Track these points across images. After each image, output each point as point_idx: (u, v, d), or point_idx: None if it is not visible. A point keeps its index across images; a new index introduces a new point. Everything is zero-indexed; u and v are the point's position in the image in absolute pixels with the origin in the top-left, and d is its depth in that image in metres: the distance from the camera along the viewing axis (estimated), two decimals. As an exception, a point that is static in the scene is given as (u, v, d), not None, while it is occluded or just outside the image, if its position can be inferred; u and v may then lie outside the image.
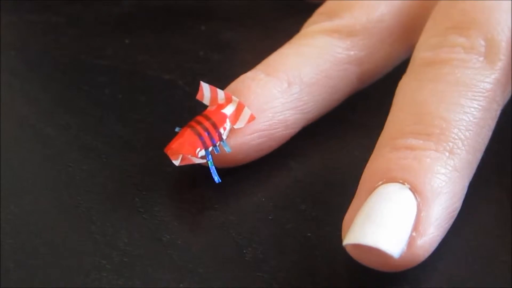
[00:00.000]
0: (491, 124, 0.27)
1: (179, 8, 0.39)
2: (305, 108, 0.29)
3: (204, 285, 0.24)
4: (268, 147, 0.28)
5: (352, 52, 0.30)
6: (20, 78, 0.34)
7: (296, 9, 0.37)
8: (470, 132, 0.25)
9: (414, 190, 0.24)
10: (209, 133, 0.27)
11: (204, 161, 0.27)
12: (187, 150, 0.26)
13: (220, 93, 0.28)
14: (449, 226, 0.25)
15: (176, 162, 0.27)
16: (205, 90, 0.28)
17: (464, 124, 0.25)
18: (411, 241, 0.23)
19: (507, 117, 0.28)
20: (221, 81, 0.29)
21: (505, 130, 0.29)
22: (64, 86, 0.34)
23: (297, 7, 0.37)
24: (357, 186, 0.25)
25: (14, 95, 0.33)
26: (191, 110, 0.29)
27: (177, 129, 0.27)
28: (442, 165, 0.24)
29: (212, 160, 0.27)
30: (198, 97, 0.28)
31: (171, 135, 0.27)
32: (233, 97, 0.27)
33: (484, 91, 0.26)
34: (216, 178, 0.27)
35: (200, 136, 0.27)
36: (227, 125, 0.27)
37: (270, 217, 0.27)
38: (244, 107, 0.27)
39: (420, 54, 0.28)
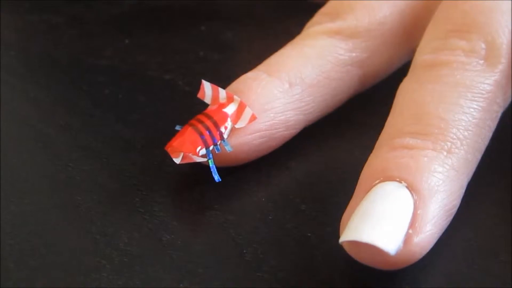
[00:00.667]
0: (491, 125, 0.27)
1: (179, 8, 0.39)
2: (306, 109, 0.29)
3: (204, 285, 0.24)
4: (268, 147, 0.28)
5: (354, 54, 0.30)
6: (20, 78, 0.34)
7: (297, 9, 0.37)
8: (469, 132, 0.25)
9: (411, 188, 0.24)
10: (210, 132, 0.27)
11: (204, 159, 0.27)
12: (188, 148, 0.26)
13: (222, 92, 0.28)
14: (446, 224, 0.24)
15: (177, 160, 0.27)
16: (207, 89, 0.28)
17: (463, 124, 0.25)
18: (407, 238, 0.23)
19: (507, 117, 0.28)
20: (221, 81, 0.29)
21: (505, 130, 0.29)
22: (64, 86, 0.34)
23: (298, 7, 0.37)
24: (356, 186, 0.25)
25: (14, 95, 0.33)
26: (191, 110, 0.29)
27: (177, 127, 0.27)
28: (440, 163, 0.24)
29: (213, 159, 0.27)
30: (199, 95, 0.28)
31: (171, 135, 0.27)
32: (235, 97, 0.27)
33: (484, 92, 0.26)
34: (216, 177, 0.27)
35: (201, 134, 0.27)
36: (229, 124, 0.27)
37: (270, 217, 0.27)
38: (245, 106, 0.27)
39: (421, 56, 0.28)
